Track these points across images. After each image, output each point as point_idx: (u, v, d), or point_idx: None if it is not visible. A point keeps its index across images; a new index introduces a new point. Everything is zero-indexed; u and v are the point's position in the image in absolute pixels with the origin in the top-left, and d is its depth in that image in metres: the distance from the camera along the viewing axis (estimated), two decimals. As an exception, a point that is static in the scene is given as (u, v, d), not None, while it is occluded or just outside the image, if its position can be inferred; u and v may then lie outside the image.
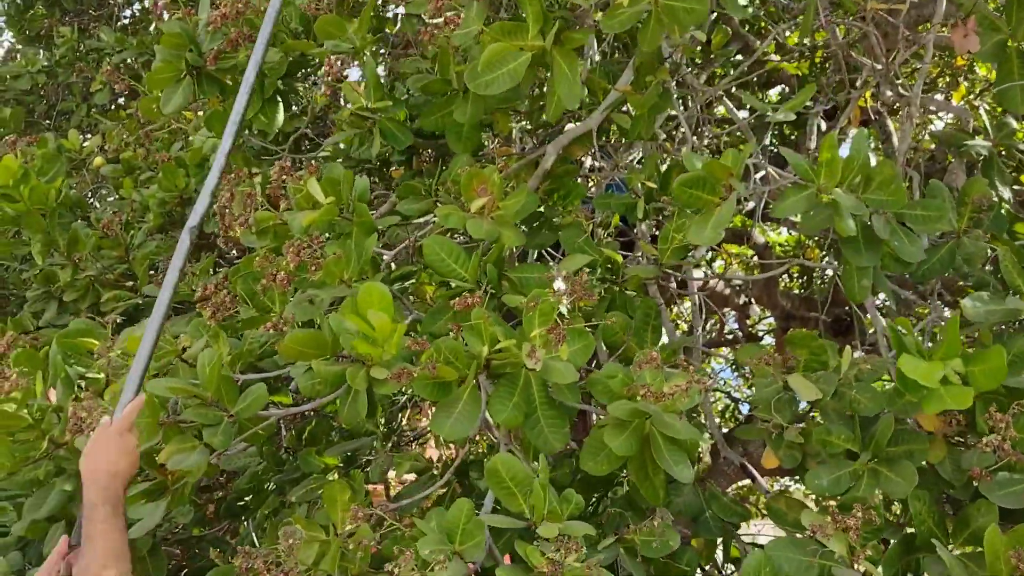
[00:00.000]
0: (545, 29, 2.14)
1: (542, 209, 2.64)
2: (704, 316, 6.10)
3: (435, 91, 2.57)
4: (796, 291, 6.29)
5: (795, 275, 6.52)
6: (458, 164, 2.49)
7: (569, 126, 2.91)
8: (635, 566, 2.09)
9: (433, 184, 2.54)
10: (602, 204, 2.62)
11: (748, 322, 6.34)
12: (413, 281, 2.56)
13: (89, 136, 4.61)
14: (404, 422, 3.40)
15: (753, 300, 6.03)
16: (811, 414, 2.29)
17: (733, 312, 6.41)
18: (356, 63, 2.59)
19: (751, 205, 4.25)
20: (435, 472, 2.63)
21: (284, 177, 2.19)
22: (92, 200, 4.54)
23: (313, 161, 2.30)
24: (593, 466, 2.01)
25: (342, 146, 3.16)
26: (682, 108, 3.03)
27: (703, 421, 3.27)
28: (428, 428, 2.94)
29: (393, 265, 2.63)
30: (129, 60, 4.54)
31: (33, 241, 3.54)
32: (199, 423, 2.00)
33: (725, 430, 4.83)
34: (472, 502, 1.94)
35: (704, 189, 2.10)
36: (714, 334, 6.49)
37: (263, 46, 2.23)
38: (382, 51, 3.25)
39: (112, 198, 4.38)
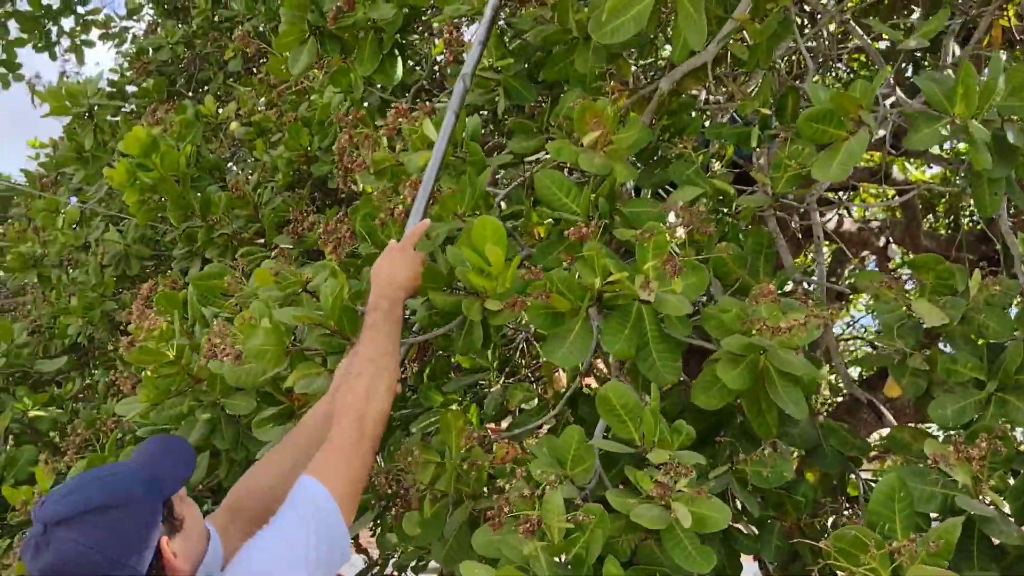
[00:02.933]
0: (668, -31, 2.06)
1: (656, 146, 2.59)
2: (839, 260, 5.90)
3: (555, 41, 2.54)
4: (942, 231, 5.95)
5: (940, 214, 6.17)
6: (570, 99, 2.46)
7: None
8: (746, 496, 2.06)
9: (544, 121, 2.53)
10: (714, 134, 2.54)
11: (890, 265, 6.04)
12: (523, 219, 2.56)
13: (226, 103, 4.83)
14: (520, 360, 3.45)
15: (893, 241, 5.73)
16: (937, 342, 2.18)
17: (873, 255, 6.12)
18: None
19: (881, 132, 4.03)
20: (547, 403, 2.67)
21: (400, 119, 2.24)
22: (231, 164, 4.77)
23: (427, 103, 2.34)
24: (704, 399, 1.98)
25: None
26: (805, 37, 2.88)
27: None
28: (543, 360, 2.95)
29: (504, 205, 2.65)
30: (260, 27, 4.71)
31: (169, 205, 3.74)
32: (323, 350, 2.08)
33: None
34: (582, 429, 1.96)
35: (831, 123, 1.99)
36: (853, 279, 6.22)
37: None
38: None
39: (250, 160, 4.59)
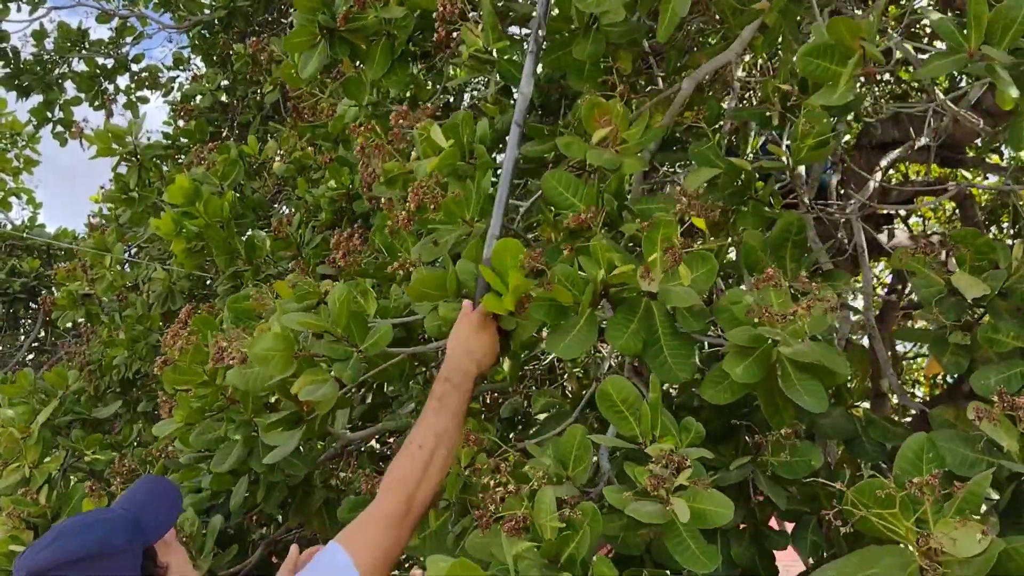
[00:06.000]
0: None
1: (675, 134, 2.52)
2: (901, 276, 5.69)
3: (554, 30, 2.49)
4: (1008, 242, 5.71)
5: (1004, 225, 5.94)
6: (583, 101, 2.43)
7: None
8: (771, 487, 1.93)
9: (558, 127, 2.50)
10: (736, 115, 2.46)
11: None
12: (539, 228, 2.52)
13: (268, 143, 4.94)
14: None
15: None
16: (980, 320, 2.05)
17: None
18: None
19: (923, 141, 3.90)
20: (566, 407, 2.59)
21: (402, 122, 2.23)
22: (276, 202, 4.87)
23: (428, 105, 2.32)
24: (713, 394, 1.86)
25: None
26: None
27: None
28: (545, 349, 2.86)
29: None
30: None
31: (215, 251, 3.80)
32: (329, 357, 2.05)
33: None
34: (585, 428, 1.88)
35: (833, 59, 1.84)
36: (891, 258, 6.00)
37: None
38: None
39: (293, 197, 4.68)
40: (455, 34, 2.54)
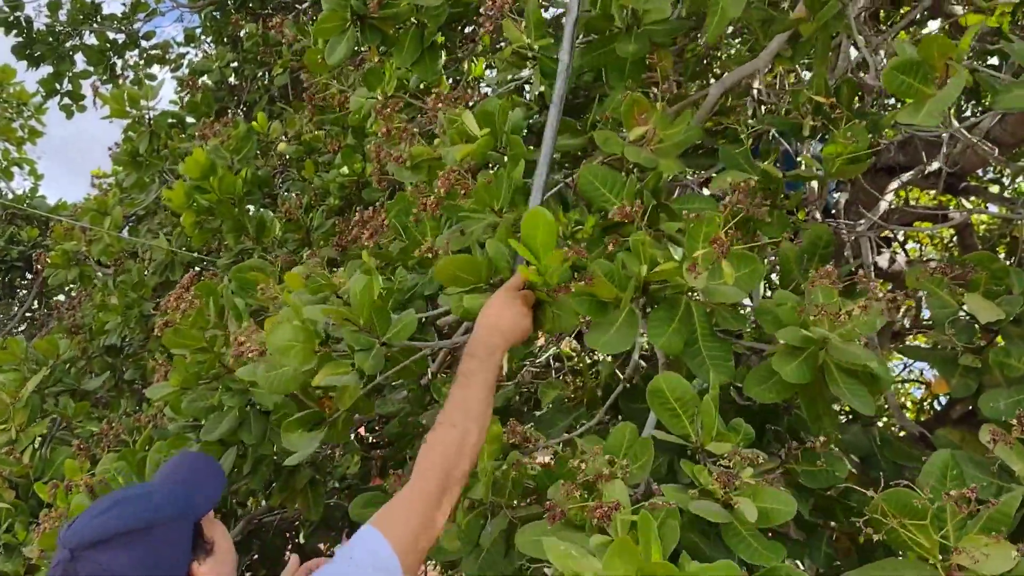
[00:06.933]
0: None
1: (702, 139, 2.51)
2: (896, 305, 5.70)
3: (596, 28, 2.47)
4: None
5: (1001, 255, 5.99)
6: (616, 94, 2.41)
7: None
8: (795, 495, 1.91)
9: (590, 120, 2.48)
10: (769, 123, 2.46)
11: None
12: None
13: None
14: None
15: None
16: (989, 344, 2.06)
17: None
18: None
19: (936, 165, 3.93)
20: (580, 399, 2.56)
21: (440, 105, 2.20)
22: (277, 183, 4.83)
23: (469, 91, 2.29)
24: (759, 392, 1.83)
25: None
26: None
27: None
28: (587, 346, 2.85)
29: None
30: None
31: (225, 227, 3.78)
32: (352, 348, 2.00)
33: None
34: (634, 427, 1.85)
35: (918, 77, 1.81)
36: (908, 321, 6.03)
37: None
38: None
39: (297, 179, 4.65)
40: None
